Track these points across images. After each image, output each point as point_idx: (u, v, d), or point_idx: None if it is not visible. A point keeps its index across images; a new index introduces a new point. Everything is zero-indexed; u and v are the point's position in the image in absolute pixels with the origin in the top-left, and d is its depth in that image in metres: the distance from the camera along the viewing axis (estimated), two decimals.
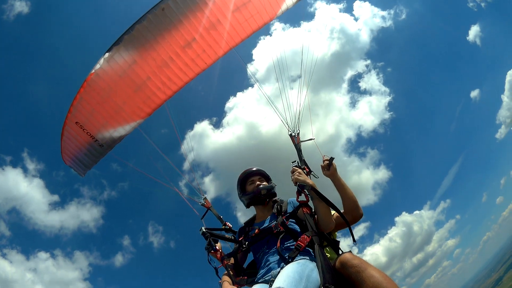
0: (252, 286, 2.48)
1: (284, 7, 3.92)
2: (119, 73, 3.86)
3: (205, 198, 3.89)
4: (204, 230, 3.21)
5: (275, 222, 2.86)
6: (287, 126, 3.73)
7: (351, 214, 3.11)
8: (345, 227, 3.04)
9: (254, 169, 3.44)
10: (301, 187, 2.79)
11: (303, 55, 3.95)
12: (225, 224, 3.60)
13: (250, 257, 3.16)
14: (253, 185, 3.32)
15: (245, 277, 2.84)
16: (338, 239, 3.27)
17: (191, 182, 4.09)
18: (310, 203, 2.83)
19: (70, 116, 4.05)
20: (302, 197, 2.80)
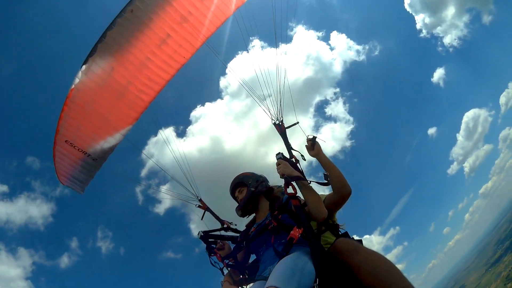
0: (252, 284, 2.56)
1: None
2: (99, 83, 3.78)
3: (200, 200, 3.90)
4: (201, 233, 3.19)
5: (269, 218, 2.82)
6: (269, 115, 3.54)
7: (339, 193, 3.06)
8: (340, 206, 3.13)
9: (233, 184, 3.35)
10: (289, 180, 2.69)
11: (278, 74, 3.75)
12: (223, 223, 3.61)
13: (253, 257, 3.16)
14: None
15: (245, 276, 2.93)
16: (337, 223, 3.23)
17: (184, 186, 3.98)
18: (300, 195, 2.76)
19: (59, 136, 3.97)
20: (291, 190, 2.69)
